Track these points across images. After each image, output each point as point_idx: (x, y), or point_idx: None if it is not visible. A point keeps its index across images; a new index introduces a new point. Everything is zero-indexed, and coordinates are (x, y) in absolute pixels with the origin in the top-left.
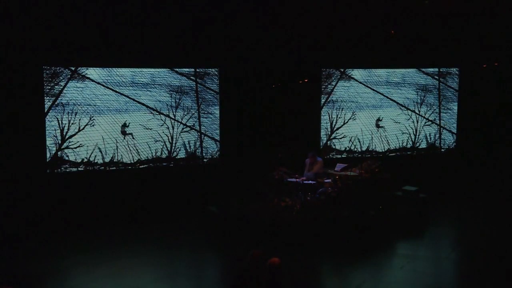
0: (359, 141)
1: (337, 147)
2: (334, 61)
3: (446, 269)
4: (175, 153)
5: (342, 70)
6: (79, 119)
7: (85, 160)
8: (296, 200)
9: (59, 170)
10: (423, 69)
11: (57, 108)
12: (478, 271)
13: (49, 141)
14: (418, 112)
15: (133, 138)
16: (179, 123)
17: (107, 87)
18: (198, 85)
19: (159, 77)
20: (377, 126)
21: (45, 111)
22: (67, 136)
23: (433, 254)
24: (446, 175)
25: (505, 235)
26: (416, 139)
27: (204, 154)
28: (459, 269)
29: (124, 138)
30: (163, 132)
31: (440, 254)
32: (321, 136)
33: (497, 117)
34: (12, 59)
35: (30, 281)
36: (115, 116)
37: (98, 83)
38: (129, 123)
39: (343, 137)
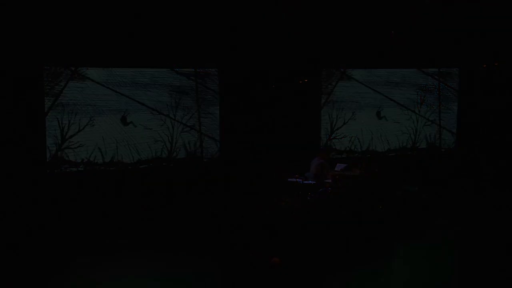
0: (359, 141)
1: (337, 147)
2: (334, 61)
3: (446, 269)
4: (175, 153)
5: (342, 70)
6: (79, 119)
7: (85, 160)
8: (296, 200)
9: (59, 170)
10: (423, 69)
11: (57, 108)
12: (477, 271)
13: (49, 141)
14: (418, 112)
15: (135, 126)
16: (179, 123)
17: (107, 87)
18: (198, 85)
19: (159, 77)
20: (378, 117)
21: (45, 111)
22: (67, 136)
23: (433, 254)
24: (446, 175)
25: (505, 234)
26: (416, 139)
27: (204, 154)
28: (459, 269)
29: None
30: (163, 132)
31: (440, 254)
32: (321, 136)
33: (497, 117)
34: (12, 59)
35: (30, 282)
36: (115, 116)
37: (98, 83)
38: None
39: (343, 137)
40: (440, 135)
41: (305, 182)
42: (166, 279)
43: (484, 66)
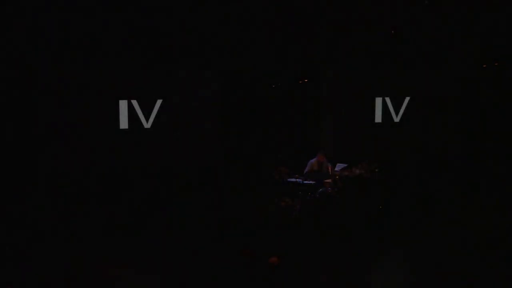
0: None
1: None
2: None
3: (445, 269)
4: None
5: None
6: None
7: None
8: (296, 200)
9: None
10: None
11: None
12: (477, 271)
13: None
14: None
15: None
16: None
17: None
18: None
19: None
20: None
21: None
22: None
23: (433, 254)
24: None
25: (504, 234)
26: None
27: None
28: (458, 270)
29: None
30: None
31: (440, 254)
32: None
33: (497, 117)
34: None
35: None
36: None
37: None
38: None
39: None
40: None
41: (305, 182)
42: (165, 279)
43: (484, 66)
